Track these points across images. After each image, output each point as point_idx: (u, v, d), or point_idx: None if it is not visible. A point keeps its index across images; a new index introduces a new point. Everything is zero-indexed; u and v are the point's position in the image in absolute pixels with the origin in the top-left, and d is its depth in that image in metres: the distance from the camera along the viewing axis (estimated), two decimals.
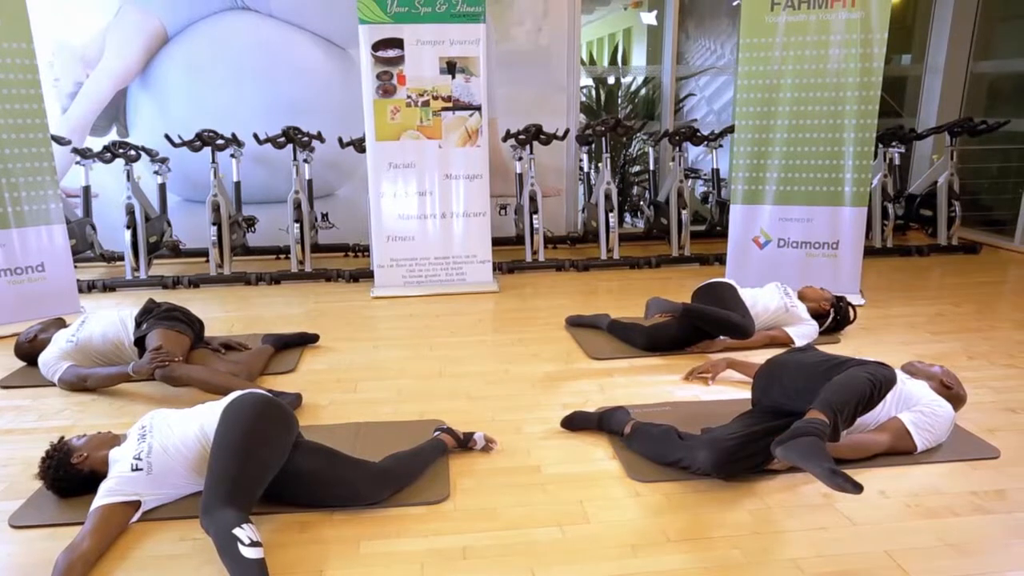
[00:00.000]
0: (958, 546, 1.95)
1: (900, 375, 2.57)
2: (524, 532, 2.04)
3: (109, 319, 3.24)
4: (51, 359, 3.13)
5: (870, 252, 5.47)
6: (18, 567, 1.93)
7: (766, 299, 3.53)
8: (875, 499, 2.18)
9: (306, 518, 2.10)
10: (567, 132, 5.48)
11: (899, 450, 2.38)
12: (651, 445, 2.44)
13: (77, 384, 3.07)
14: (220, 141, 5.03)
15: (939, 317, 4.04)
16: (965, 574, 1.84)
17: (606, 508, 2.16)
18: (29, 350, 3.29)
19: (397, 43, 4.47)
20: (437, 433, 2.49)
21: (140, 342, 3.14)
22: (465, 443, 2.49)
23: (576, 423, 2.67)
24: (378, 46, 4.46)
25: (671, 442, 2.39)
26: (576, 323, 3.91)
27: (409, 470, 2.28)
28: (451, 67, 4.54)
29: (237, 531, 1.81)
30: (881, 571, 1.84)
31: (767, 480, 2.28)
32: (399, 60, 4.48)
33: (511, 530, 2.06)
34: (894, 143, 5.69)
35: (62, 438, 2.23)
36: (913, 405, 2.43)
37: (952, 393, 2.57)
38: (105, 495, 2.04)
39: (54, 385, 3.12)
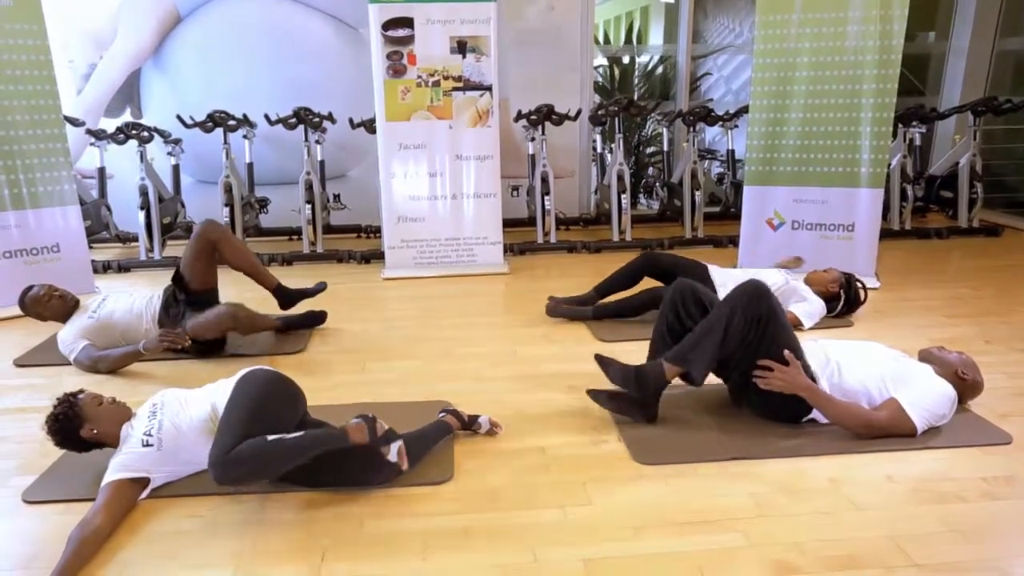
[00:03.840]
0: (965, 532, 1.92)
1: (891, 352, 2.55)
2: (526, 513, 2.05)
3: (131, 298, 3.30)
4: (70, 336, 3.17)
5: (888, 234, 5.38)
6: (32, 541, 1.97)
7: (766, 276, 3.47)
8: (882, 484, 2.15)
9: (309, 496, 2.12)
10: (579, 112, 5.42)
11: (899, 431, 2.34)
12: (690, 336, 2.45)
13: (89, 367, 3.11)
14: (232, 122, 5.04)
15: (956, 301, 3.97)
16: (970, 559, 1.81)
17: (609, 490, 2.15)
18: (38, 317, 3.30)
19: (407, 23, 4.43)
20: (442, 415, 2.49)
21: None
22: (470, 425, 2.49)
23: (611, 370, 2.59)
24: (388, 25, 4.43)
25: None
26: (556, 313, 3.74)
27: (412, 452, 2.28)
28: (461, 47, 4.50)
29: (272, 438, 1.91)
30: (884, 556, 1.83)
31: (772, 464, 2.27)
32: (409, 40, 4.45)
33: (513, 511, 2.06)
34: (914, 123, 5.56)
35: (72, 398, 2.16)
36: (908, 384, 2.39)
37: (967, 383, 2.52)
38: (116, 471, 2.07)
39: (69, 364, 3.17)
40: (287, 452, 1.97)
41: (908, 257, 4.97)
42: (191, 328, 3.08)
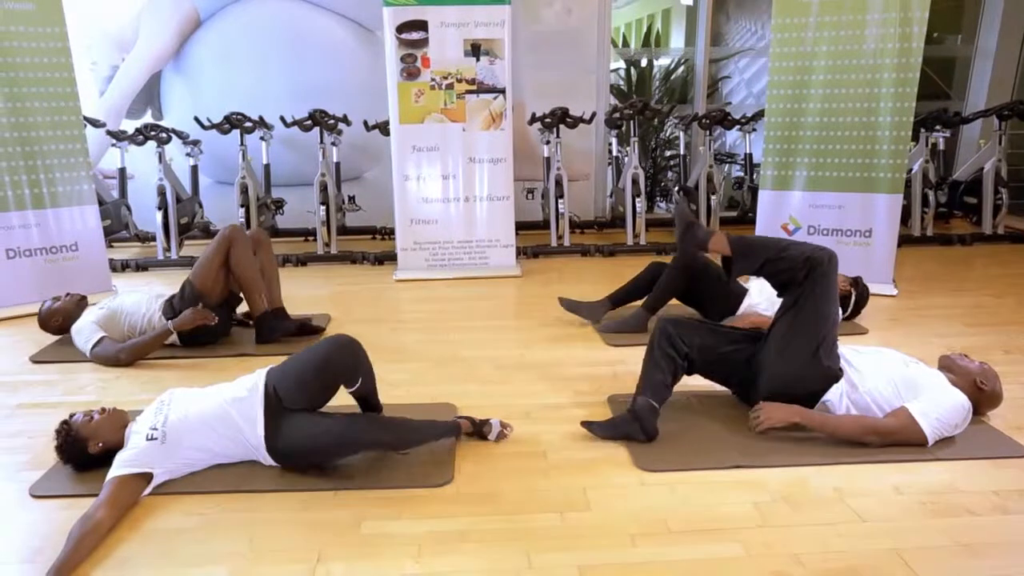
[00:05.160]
0: (973, 547, 1.87)
1: (904, 357, 2.50)
2: (524, 518, 2.03)
3: (142, 293, 3.39)
4: (86, 326, 3.23)
5: (909, 241, 5.29)
6: (37, 535, 1.99)
7: None
8: (889, 495, 2.11)
9: (308, 496, 2.13)
10: (593, 115, 5.40)
11: (909, 441, 2.29)
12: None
13: (110, 359, 3.16)
14: (248, 124, 5.10)
15: (977, 309, 3.88)
16: (976, 575, 1.76)
17: (609, 496, 2.13)
18: (60, 327, 3.39)
19: (421, 25, 4.45)
20: (456, 418, 2.47)
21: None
22: (480, 428, 2.45)
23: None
24: (402, 28, 4.45)
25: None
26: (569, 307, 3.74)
27: (408, 430, 2.26)
28: (475, 49, 4.50)
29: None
30: (887, 569, 1.78)
31: (777, 472, 2.23)
32: (423, 43, 4.47)
33: (511, 515, 2.05)
34: (937, 127, 5.46)
35: (67, 424, 2.20)
36: (920, 392, 2.34)
37: (986, 394, 2.46)
38: (119, 466, 2.09)
39: (83, 361, 3.22)
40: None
41: (929, 264, 4.87)
42: (193, 278, 3.28)
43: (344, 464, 2.27)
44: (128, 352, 3.17)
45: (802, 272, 2.32)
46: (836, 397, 2.41)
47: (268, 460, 2.22)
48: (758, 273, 2.47)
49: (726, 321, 3.35)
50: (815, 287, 2.32)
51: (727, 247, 2.46)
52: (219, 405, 2.20)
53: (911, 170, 5.28)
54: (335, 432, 2.17)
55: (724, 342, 2.55)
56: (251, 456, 2.23)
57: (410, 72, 4.51)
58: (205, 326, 3.22)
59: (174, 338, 3.26)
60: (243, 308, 3.51)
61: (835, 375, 2.41)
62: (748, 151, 5.93)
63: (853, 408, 2.40)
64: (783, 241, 2.49)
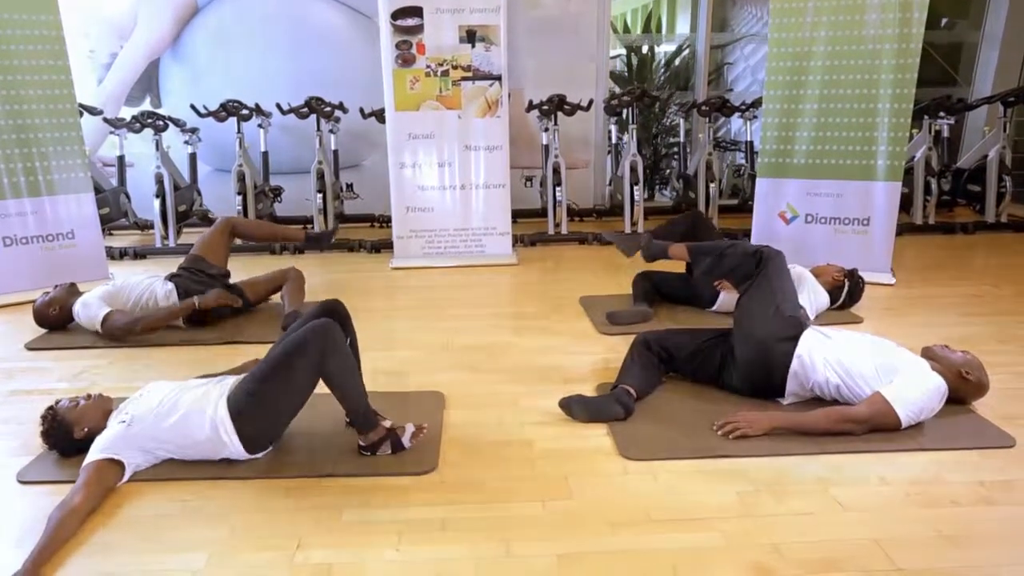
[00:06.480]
0: (954, 537, 1.86)
1: (882, 341, 2.52)
2: (505, 506, 2.03)
3: (142, 277, 3.48)
4: (92, 301, 3.26)
5: (910, 229, 5.24)
6: (23, 520, 2.01)
7: None
8: (873, 485, 2.09)
9: (291, 484, 2.14)
10: (591, 102, 5.35)
11: (883, 425, 2.29)
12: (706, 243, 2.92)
13: (124, 329, 3.19)
14: (245, 111, 5.08)
15: (975, 299, 3.84)
16: (957, 566, 1.75)
17: (592, 485, 2.13)
18: (58, 317, 3.42)
19: (416, 11, 4.41)
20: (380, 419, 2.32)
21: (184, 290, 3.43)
22: (395, 432, 2.27)
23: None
24: (397, 15, 4.42)
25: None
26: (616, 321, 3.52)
27: (351, 374, 2.22)
28: (471, 36, 4.47)
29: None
30: (865, 560, 1.77)
31: (761, 462, 2.22)
32: (418, 29, 4.44)
33: (493, 504, 2.05)
34: (941, 114, 5.39)
35: (52, 410, 2.23)
36: (896, 376, 2.34)
37: (972, 384, 2.44)
38: (94, 451, 2.11)
39: (78, 348, 3.24)
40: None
41: (930, 253, 4.83)
42: (196, 248, 3.63)
43: (328, 452, 2.28)
44: (145, 322, 3.21)
45: (753, 261, 2.62)
46: (808, 351, 2.46)
47: (230, 431, 2.12)
48: (716, 269, 2.79)
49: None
50: (766, 269, 2.60)
51: (685, 254, 2.96)
52: (195, 390, 2.21)
53: (913, 158, 5.23)
54: (286, 343, 2.16)
55: (699, 338, 2.74)
56: (216, 449, 2.17)
57: (405, 59, 4.48)
58: (220, 306, 3.32)
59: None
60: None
61: (800, 323, 2.56)
62: (749, 139, 5.88)
63: (830, 373, 2.42)
64: (731, 241, 2.89)
